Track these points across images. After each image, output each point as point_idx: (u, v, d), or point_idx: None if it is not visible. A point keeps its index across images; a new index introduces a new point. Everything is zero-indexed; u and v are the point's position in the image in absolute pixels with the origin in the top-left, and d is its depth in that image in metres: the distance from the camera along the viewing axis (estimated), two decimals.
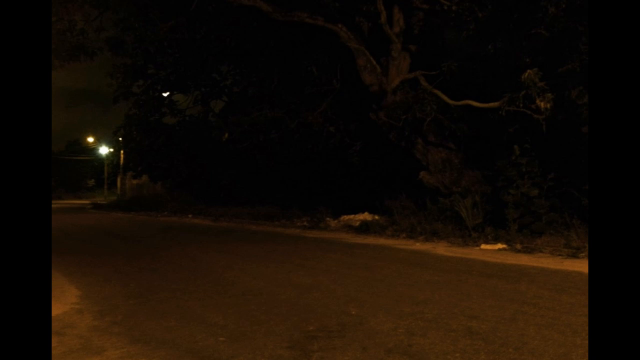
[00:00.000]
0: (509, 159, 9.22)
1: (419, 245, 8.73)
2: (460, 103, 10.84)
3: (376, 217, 12.19)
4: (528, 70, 8.93)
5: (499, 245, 8.13)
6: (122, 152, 39.38)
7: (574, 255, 6.97)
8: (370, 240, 9.78)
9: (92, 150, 64.41)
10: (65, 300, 4.67)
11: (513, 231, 8.68)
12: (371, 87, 12.65)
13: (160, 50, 21.75)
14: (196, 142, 23.53)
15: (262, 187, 20.18)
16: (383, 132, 12.74)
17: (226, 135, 18.75)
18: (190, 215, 20.01)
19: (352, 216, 12.92)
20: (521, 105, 9.25)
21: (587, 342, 3.06)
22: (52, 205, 20.32)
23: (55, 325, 3.75)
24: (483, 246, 8.23)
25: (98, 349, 3.27)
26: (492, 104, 10.10)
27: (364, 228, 11.35)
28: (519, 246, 7.93)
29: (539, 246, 7.75)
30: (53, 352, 3.14)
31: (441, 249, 8.20)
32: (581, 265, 6.12)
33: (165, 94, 24.70)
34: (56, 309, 4.26)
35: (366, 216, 12.58)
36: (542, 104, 8.96)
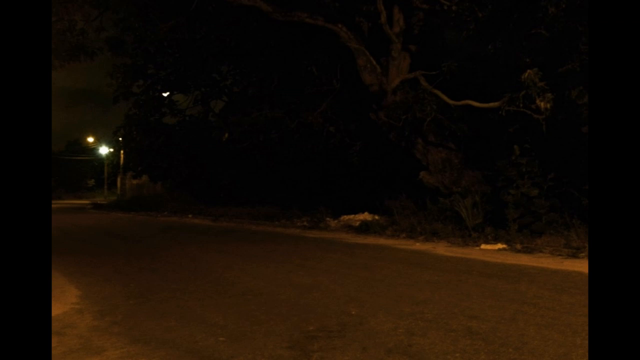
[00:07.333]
0: (509, 159, 9.23)
1: (419, 245, 8.73)
2: (460, 103, 10.84)
3: (376, 217, 12.19)
4: (528, 70, 8.93)
5: (499, 245, 8.13)
6: (122, 152, 39.39)
7: (574, 255, 6.97)
8: (370, 240, 9.77)
9: (92, 150, 64.46)
10: (65, 300, 4.67)
11: (513, 231, 8.68)
12: (371, 87, 12.66)
13: (160, 50, 21.76)
14: (196, 142, 23.54)
15: (262, 187, 20.17)
16: (383, 132, 12.75)
17: (226, 135, 18.75)
18: (190, 215, 20.01)
19: (352, 216, 12.92)
20: (521, 105, 9.24)
21: (587, 342, 3.06)
22: (52, 205, 20.32)
23: (55, 325, 3.75)
24: (483, 246, 8.23)
25: (98, 349, 3.27)
26: (492, 104, 10.10)
27: (364, 228, 11.34)
28: (519, 246, 7.93)
29: (539, 246, 7.75)
30: (53, 352, 3.14)
31: (441, 249, 8.20)
32: (581, 265, 6.12)
33: (165, 94, 24.71)
34: (56, 309, 4.26)
35: (366, 216, 12.58)
36: (542, 104, 8.96)
